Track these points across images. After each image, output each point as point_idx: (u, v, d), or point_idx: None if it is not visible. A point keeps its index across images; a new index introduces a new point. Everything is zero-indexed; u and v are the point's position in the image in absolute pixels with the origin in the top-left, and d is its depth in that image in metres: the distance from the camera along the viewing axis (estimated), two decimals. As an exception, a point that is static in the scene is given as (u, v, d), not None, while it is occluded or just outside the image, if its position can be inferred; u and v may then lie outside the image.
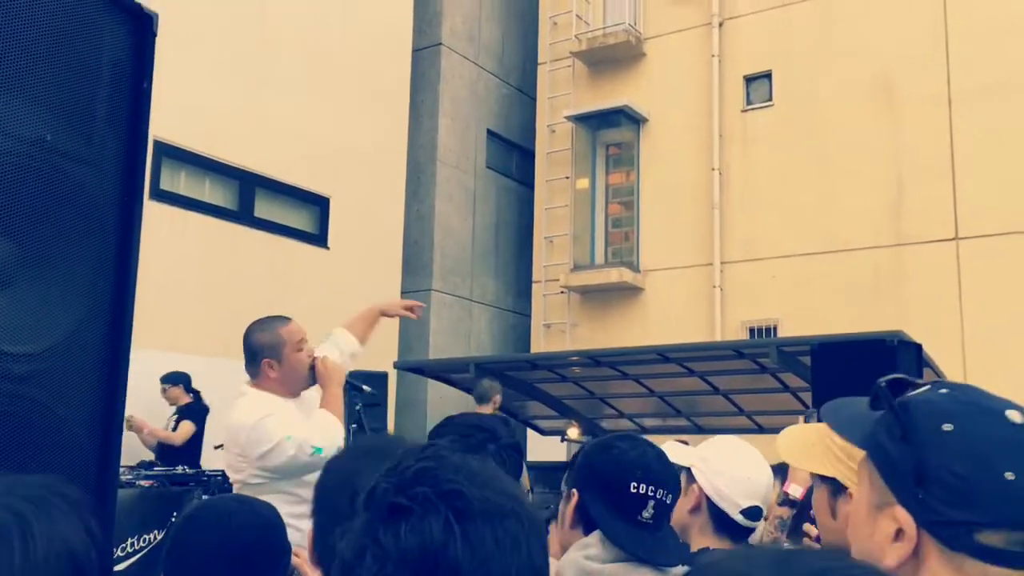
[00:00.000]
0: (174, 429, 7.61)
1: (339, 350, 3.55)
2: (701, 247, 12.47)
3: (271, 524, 1.73)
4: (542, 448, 10.77)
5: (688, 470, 2.21)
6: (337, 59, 11.52)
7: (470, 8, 14.40)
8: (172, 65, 9.43)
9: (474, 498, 0.89)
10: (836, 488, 1.55)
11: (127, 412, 5.64)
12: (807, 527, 2.62)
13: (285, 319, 3.35)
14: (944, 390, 1.07)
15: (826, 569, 0.75)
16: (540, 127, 14.20)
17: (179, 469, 6.95)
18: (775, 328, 11.64)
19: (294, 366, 3.24)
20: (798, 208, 11.80)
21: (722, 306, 12.18)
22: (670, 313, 12.38)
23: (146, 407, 7.63)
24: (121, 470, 6.61)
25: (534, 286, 13.87)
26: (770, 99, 12.49)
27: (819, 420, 1.33)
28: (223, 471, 6.05)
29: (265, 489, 3.06)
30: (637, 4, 13.51)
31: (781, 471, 4.20)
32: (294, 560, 1.78)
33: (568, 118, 13.56)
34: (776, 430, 1.65)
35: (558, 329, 13.36)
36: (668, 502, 1.79)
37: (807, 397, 7.62)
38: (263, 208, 10.92)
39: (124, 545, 5.97)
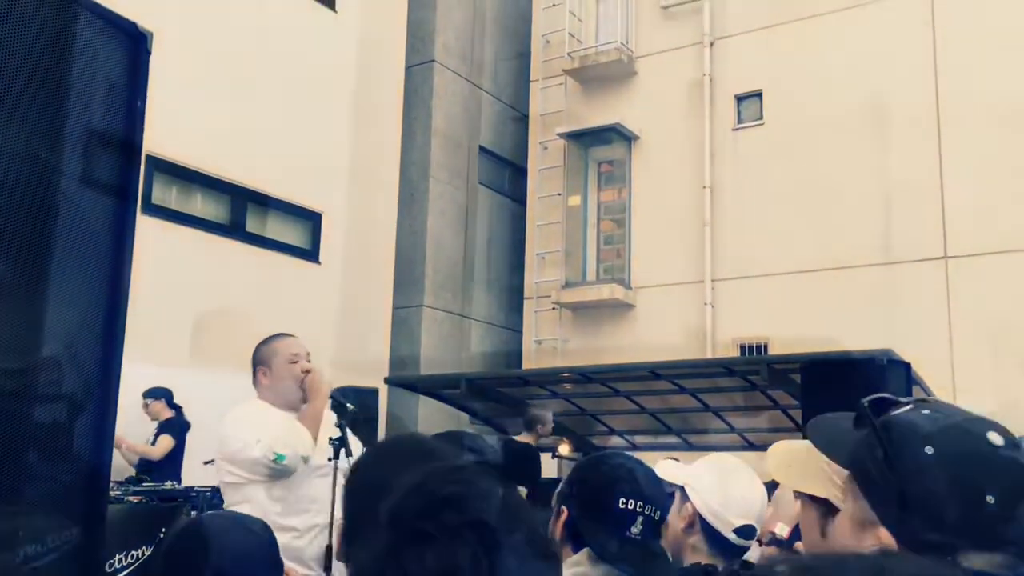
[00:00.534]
0: (154, 443, 7.57)
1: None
2: (692, 264, 12.51)
3: (262, 541, 1.73)
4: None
5: (682, 488, 2.22)
6: (330, 74, 11.57)
7: (463, 25, 14.47)
8: (165, 80, 9.46)
9: (501, 530, 0.87)
10: (827, 509, 1.54)
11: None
12: (797, 545, 2.62)
13: (288, 335, 3.53)
14: (926, 410, 1.06)
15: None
16: (532, 144, 14.25)
17: (168, 485, 6.91)
18: (766, 346, 11.67)
19: (283, 376, 3.38)
20: (789, 226, 11.86)
21: (713, 323, 12.22)
22: (661, 330, 12.40)
23: (138, 421, 7.60)
24: (113, 486, 6.59)
25: (526, 302, 13.89)
26: (761, 118, 12.57)
27: None
28: (213, 487, 6.03)
29: (243, 490, 3.17)
30: (629, 23, 13.61)
31: (771, 488, 4.21)
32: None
33: (560, 135, 13.62)
34: (766, 447, 1.66)
35: (550, 345, 13.37)
36: (657, 518, 1.80)
37: (797, 415, 7.64)
38: (255, 223, 10.93)
39: (112, 561, 5.92)
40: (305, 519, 3.18)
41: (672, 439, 9.78)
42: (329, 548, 3.05)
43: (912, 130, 11.38)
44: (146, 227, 9.46)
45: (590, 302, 12.94)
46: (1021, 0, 10.98)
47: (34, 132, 1.46)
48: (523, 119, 14.75)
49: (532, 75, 14.50)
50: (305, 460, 3.20)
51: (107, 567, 5.80)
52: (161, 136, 9.57)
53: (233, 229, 10.65)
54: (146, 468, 7.39)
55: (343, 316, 11.23)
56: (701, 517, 2.14)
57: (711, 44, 12.95)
